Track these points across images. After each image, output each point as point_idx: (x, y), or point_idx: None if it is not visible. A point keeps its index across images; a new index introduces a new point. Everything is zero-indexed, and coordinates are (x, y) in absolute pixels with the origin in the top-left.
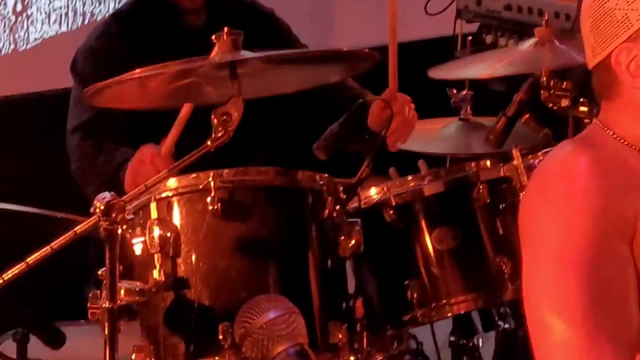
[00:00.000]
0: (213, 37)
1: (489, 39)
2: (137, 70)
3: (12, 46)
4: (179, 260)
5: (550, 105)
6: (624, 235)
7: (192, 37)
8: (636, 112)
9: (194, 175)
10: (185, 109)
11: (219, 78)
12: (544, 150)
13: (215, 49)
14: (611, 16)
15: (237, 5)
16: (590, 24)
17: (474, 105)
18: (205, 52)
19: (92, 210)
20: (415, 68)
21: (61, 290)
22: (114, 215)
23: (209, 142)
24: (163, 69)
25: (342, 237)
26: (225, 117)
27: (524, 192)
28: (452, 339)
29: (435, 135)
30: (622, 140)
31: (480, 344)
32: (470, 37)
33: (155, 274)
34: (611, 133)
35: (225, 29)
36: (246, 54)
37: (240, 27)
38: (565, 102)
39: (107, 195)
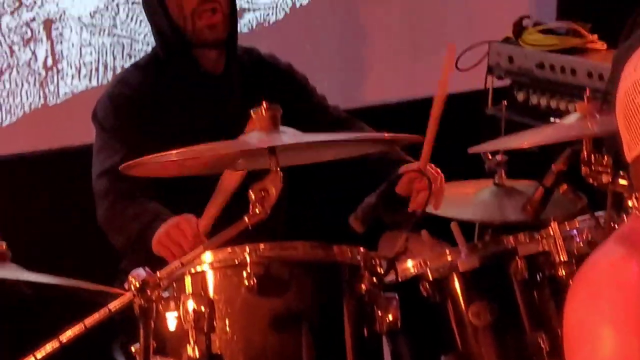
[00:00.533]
0: (251, 112)
1: (520, 96)
2: (174, 152)
3: (42, 101)
4: (214, 336)
5: (591, 181)
6: None
7: (212, 82)
8: None
9: (229, 249)
10: (227, 181)
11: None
12: (581, 218)
13: (252, 124)
14: None
15: (257, 59)
16: (623, 118)
17: (510, 169)
18: (225, 98)
19: (126, 286)
20: (447, 125)
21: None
22: (149, 292)
23: (246, 219)
24: (199, 153)
25: (379, 312)
26: (263, 193)
27: (570, 291)
28: None
29: (469, 200)
30: None
31: None
32: (504, 101)
33: (189, 350)
34: None
35: (264, 104)
36: (285, 133)
37: (259, 79)
38: (606, 179)
39: (141, 271)
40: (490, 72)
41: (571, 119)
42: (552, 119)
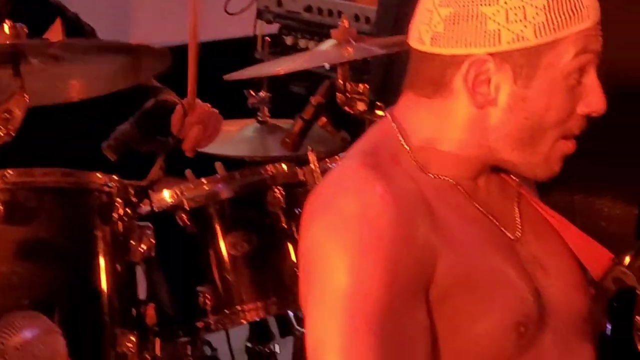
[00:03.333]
0: None
1: (289, 40)
2: None
3: None
4: None
5: (346, 108)
6: (423, 278)
7: None
8: (447, 121)
9: None
10: None
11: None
12: (341, 154)
13: None
14: (482, 22)
15: None
16: (451, 13)
17: (274, 108)
18: None
19: None
20: (214, 69)
21: None
22: None
23: None
24: None
25: (133, 241)
26: (7, 115)
27: (308, 212)
28: (249, 344)
29: (232, 138)
30: (416, 159)
31: (278, 350)
32: (269, 39)
33: None
34: (405, 146)
35: (7, 22)
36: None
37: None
38: (361, 106)
39: None
40: (259, 17)
41: (326, 45)
42: None
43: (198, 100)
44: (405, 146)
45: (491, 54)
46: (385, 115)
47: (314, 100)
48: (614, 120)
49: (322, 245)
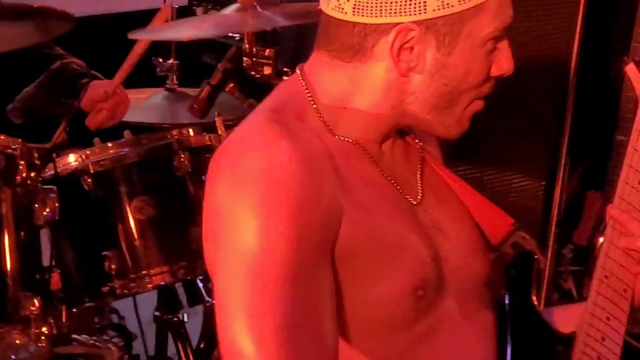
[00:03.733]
0: None
1: (199, 11)
2: None
3: None
4: None
5: (253, 73)
6: (327, 239)
7: None
8: (363, 84)
9: None
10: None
11: None
12: None
13: None
14: None
15: None
16: None
17: (186, 78)
18: None
19: None
20: (124, 40)
21: None
22: None
23: None
24: None
25: (37, 205)
26: None
27: (213, 170)
28: (157, 314)
29: (141, 105)
30: (323, 119)
31: (186, 319)
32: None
33: None
34: (314, 105)
35: None
36: None
37: None
38: (267, 70)
39: None
40: None
41: (231, 9)
42: None
43: (118, 89)
44: (314, 105)
45: (416, 23)
46: (295, 73)
47: (222, 66)
48: (523, 97)
49: (228, 205)
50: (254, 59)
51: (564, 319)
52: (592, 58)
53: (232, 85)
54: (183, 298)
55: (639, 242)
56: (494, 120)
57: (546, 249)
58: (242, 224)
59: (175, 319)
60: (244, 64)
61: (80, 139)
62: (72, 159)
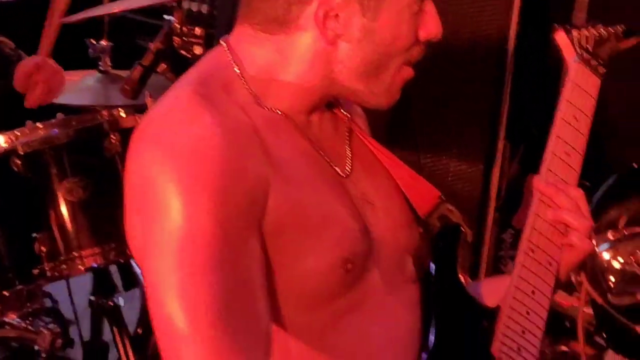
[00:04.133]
0: None
1: None
2: None
3: None
4: None
5: (183, 52)
6: (255, 213)
7: None
8: (291, 55)
9: None
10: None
11: None
12: None
13: None
14: None
15: None
16: None
17: (119, 60)
18: None
19: None
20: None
21: None
22: None
23: None
24: None
25: None
26: None
27: (135, 144)
28: (92, 298)
29: (74, 87)
30: (251, 91)
31: (122, 303)
32: None
33: None
34: (241, 76)
35: None
36: None
37: None
38: (198, 50)
39: None
40: None
41: None
42: None
43: (48, 59)
44: (241, 76)
45: None
46: (220, 44)
47: (153, 46)
48: (461, 80)
49: (152, 181)
50: (184, 38)
51: (489, 292)
52: (530, 41)
53: (164, 65)
54: (119, 282)
55: (566, 215)
56: (432, 103)
57: (485, 234)
58: (168, 203)
59: (111, 304)
60: (175, 44)
61: (13, 123)
62: (2, 140)
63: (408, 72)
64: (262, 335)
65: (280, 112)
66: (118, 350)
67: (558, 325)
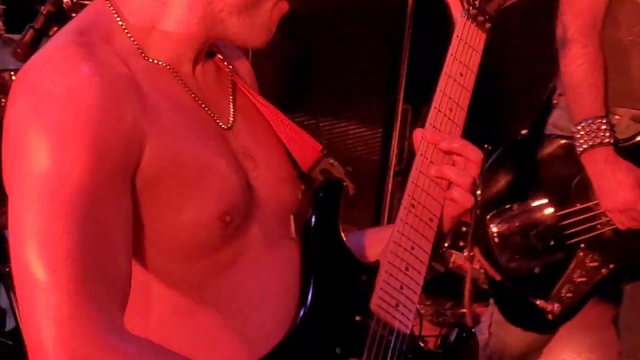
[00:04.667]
0: None
1: None
2: None
3: None
4: None
5: (74, 15)
6: (128, 164)
7: None
8: (171, 3)
9: None
10: None
11: None
12: None
13: None
14: None
15: None
16: None
17: (14, 23)
18: None
19: None
20: None
21: None
22: None
23: None
24: None
25: None
26: None
27: (12, 89)
28: None
29: None
30: (134, 41)
31: None
32: None
33: None
34: (123, 25)
35: None
36: None
37: None
38: None
39: None
40: None
41: None
42: None
43: None
44: (123, 25)
45: None
46: None
47: (45, 9)
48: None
49: (24, 127)
50: (74, 0)
51: (372, 243)
52: (428, 3)
53: (55, 28)
54: None
55: (447, 170)
56: (331, 68)
57: (385, 197)
58: (38, 148)
59: (7, 270)
60: (64, 5)
61: None
62: None
63: (284, 5)
64: (119, 289)
65: (162, 63)
66: (15, 317)
67: (459, 288)
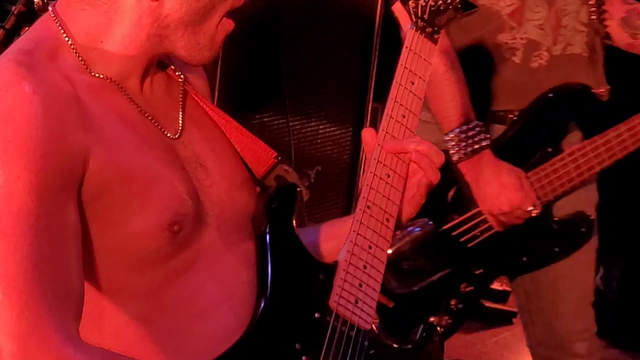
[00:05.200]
0: None
1: None
2: None
3: None
4: None
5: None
6: (72, 178)
7: None
8: (116, 18)
9: None
10: None
11: None
12: None
13: None
14: None
15: None
16: None
17: None
18: None
19: None
20: None
21: None
22: None
23: None
24: None
25: None
26: None
27: None
28: None
29: None
30: (79, 57)
31: None
32: None
33: None
34: (69, 42)
35: None
36: None
37: None
38: None
39: None
40: None
41: None
42: None
43: None
44: (69, 42)
45: None
46: (48, 12)
47: (16, 9)
48: (330, 43)
49: None
50: (45, 0)
51: (325, 242)
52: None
53: (26, 28)
54: None
55: (409, 144)
56: (301, 67)
57: (354, 196)
58: None
59: None
60: (35, 6)
61: None
62: None
63: (229, 25)
64: (73, 300)
65: (107, 78)
66: None
67: None
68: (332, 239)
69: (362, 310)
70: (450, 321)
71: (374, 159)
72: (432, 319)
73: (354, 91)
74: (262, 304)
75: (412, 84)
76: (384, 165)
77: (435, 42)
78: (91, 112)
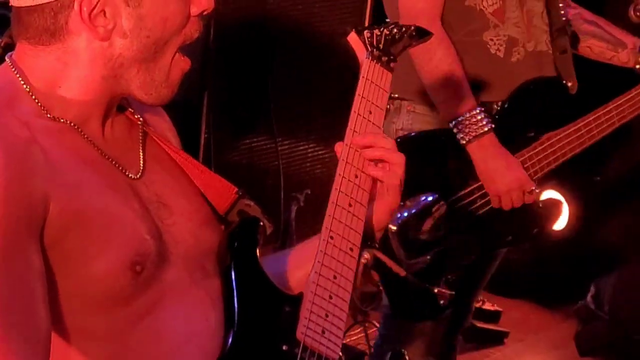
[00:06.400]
0: None
1: None
2: None
3: None
4: None
5: None
6: (34, 223)
7: None
8: (70, 62)
9: None
10: None
11: None
12: None
13: None
14: None
15: None
16: None
17: None
18: None
19: None
20: None
21: None
22: None
23: None
24: None
25: None
26: None
27: None
28: None
29: None
30: (38, 103)
31: None
32: None
33: None
34: (27, 89)
35: None
36: None
37: None
38: None
39: None
40: None
41: None
42: None
43: None
44: (27, 89)
45: None
46: (5, 61)
47: (2, 41)
48: (318, 68)
49: None
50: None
51: (292, 272)
52: None
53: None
54: None
55: (372, 169)
56: (289, 92)
57: None
58: None
59: None
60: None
61: None
62: None
63: (185, 63)
64: (41, 343)
65: (67, 122)
66: None
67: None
68: (301, 266)
69: (329, 340)
70: (450, 294)
71: (334, 189)
72: (437, 290)
73: (343, 113)
74: (230, 340)
75: (370, 113)
76: (346, 194)
77: (391, 70)
78: (51, 156)
